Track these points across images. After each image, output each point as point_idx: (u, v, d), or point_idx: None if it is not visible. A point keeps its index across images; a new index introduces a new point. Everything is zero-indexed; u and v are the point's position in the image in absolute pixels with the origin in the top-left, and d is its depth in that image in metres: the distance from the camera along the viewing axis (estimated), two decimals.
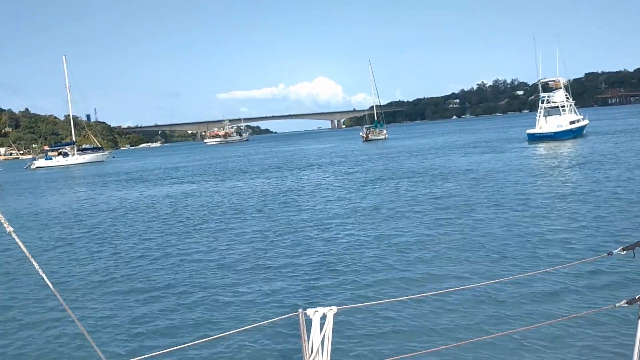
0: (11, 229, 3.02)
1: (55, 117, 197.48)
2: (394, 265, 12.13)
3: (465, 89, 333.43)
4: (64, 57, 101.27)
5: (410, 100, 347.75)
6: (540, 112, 54.35)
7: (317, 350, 3.11)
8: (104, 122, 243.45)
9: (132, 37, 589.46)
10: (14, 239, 3.00)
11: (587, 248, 12.10)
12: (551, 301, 9.04)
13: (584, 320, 7.92)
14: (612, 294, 8.95)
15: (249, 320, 9.21)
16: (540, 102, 54.99)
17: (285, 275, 12.07)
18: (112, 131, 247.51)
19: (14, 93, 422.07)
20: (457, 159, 41.23)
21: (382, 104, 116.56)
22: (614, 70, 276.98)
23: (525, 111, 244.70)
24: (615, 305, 3.83)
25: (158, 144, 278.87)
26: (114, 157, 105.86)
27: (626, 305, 3.65)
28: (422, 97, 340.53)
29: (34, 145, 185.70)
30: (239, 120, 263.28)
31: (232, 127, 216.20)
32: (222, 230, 18.46)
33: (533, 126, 55.07)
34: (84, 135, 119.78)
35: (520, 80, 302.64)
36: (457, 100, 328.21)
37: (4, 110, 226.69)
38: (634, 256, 3.84)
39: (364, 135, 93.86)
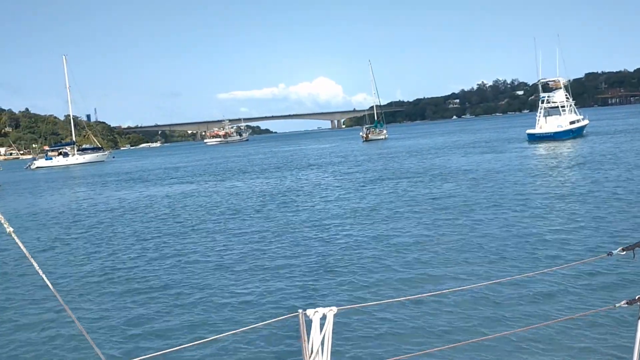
0: (11, 229, 3.00)
1: (55, 117, 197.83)
2: (392, 266, 12.10)
3: (465, 89, 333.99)
4: (64, 57, 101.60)
5: (411, 100, 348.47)
6: (540, 112, 54.35)
7: (317, 350, 3.10)
8: (104, 122, 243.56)
9: (132, 37, 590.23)
10: (13, 239, 2.99)
11: (586, 248, 12.07)
12: (550, 302, 9.00)
13: (583, 321, 7.89)
14: (611, 294, 8.92)
15: (247, 321, 9.17)
16: (540, 102, 55.00)
17: (283, 276, 12.03)
18: (112, 131, 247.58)
19: (14, 93, 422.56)
20: (457, 159, 41.20)
21: (382, 104, 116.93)
22: (614, 70, 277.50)
23: (525, 111, 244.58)
24: (615, 306, 3.80)
25: (158, 144, 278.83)
26: (114, 157, 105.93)
27: (626, 305, 3.63)
28: (422, 97, 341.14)
29: (34, 145, 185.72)
30: (239, 120, 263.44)
31: (232, 127, 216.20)
32: (220, 231, 18.43)
33: (533, 126, 55.06)
34: (84, 135, 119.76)
35: (520, 80, 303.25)
36: (457, 100, 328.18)
37: (4, 110, 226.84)
38: (633, 257, 3.81)
39: (364, 135, 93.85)
